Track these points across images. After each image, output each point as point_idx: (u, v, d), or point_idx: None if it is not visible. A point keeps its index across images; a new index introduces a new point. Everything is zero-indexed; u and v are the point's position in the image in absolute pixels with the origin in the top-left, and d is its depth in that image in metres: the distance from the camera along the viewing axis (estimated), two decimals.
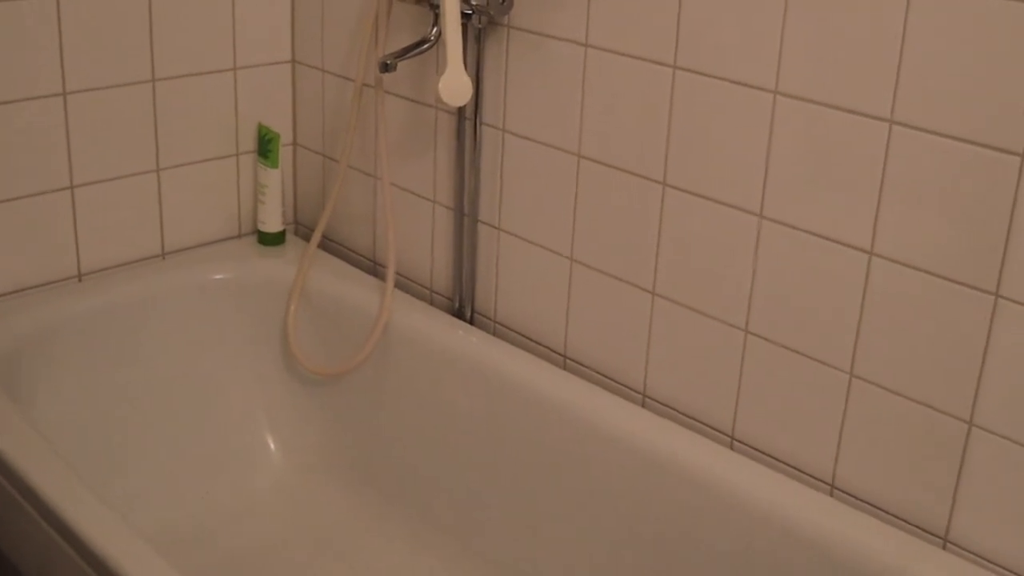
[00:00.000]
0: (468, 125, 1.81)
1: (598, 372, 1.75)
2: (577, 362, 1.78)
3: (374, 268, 2.09)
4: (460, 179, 1.85)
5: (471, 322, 1.92)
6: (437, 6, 1.74)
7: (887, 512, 1.45)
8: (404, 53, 1.74)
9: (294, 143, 2.19)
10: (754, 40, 1.44)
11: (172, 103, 1.98)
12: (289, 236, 2.16)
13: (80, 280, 1.96)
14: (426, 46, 1.76)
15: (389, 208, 1.91)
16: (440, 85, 1.62)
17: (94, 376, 1.90)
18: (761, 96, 1.45)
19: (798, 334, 1.49)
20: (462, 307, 1.92)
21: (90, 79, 1.88)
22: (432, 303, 1.99)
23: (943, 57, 1.29)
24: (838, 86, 1.38)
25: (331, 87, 2.07)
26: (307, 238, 2.19)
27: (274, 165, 2.07)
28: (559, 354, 1.81)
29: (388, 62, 1.72)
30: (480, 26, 1.73)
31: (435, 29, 1.77)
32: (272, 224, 2.11)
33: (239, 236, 2.16)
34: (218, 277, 2.05)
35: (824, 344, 1.47)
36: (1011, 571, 1.35)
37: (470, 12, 1.69)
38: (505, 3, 1.67)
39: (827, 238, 1.43)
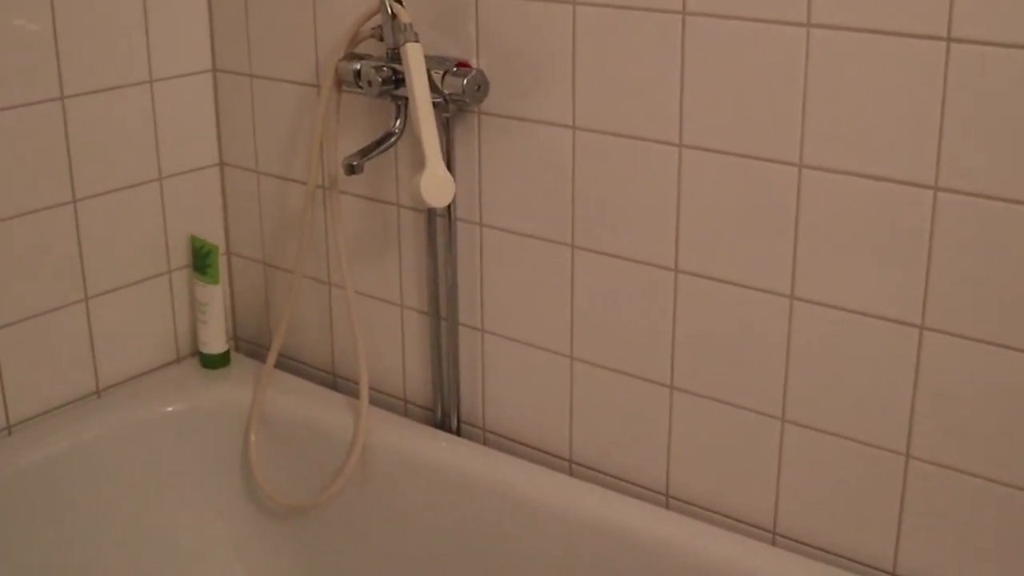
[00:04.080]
0: (440, 222, 1.67)
1: (611, 475, 1.62)
2: (586, 466, 1.64)
3: (334, 382, 1.92)
4: (433, 280, 1.70)
5: (457, 432, 1.76)
6: (401, 98, 1.60)
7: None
8: (370, 152, 1.59)
9: (228, 251, 2.00)
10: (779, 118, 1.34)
11: (96, 223, 1.79)
12: (232, 354, 1.97)
13: (10, 433, 1.74)
14: (392, 140, 1.61)
15: (356, 319, 1.74)
16: (421, 186, 1.47)
17: (37, 539, 1.68)
18: (787, 170, 1.35)
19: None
20: (445, 417, 1.76)
21: (4, 208, 1.67)
22: (407, 415, 1.83)
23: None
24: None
25: (268, 189, 1.90)
26: (251, 354, 2.01)
27: (214, 281, 1.88)
28: (564, 459, 1.66)
29: (354, 163, 1.56)
30: (448, 114, 1.59)
31: (398, 121, 1.62)
32: (215, 344, 1.92)
33: (178, 360, 1.96)
34: (164, 410, 1.84)
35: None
36: None
37: (440, 101, 1.54)
38: (481, 89, 1.54)
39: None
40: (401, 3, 1.53)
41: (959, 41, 1.20)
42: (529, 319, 1.64)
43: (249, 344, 2.03)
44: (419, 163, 1.54)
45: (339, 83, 1.66)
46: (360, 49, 1.65)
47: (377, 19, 1.58)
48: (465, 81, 1.51)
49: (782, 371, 1.42)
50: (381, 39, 1.58)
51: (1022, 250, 1.22)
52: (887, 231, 1.30)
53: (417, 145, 1.49)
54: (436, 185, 1.49)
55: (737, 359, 1.45)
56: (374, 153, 1.59)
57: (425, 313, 1.75)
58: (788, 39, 1.31)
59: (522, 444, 1.70)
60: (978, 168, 1.23)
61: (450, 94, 1.53)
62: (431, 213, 1.67)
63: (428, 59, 1.52)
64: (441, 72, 1.53)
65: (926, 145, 1.25)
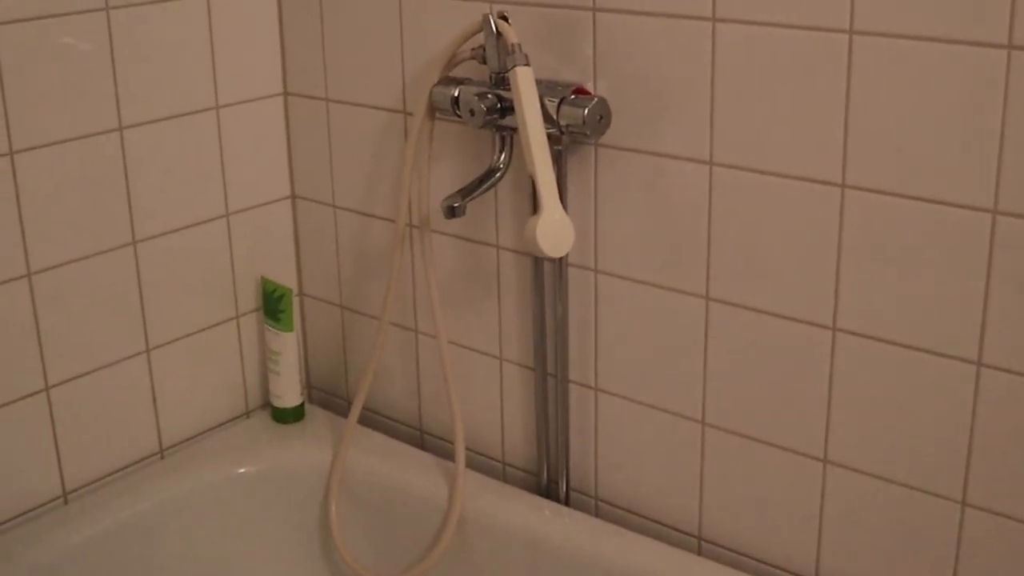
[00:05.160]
0: (548, 267, 1.47)
1: (747, 555, 1.41)
2: (717, 544, 1.44)
3: (421, 439, 1.73)
4: (540, 332, 1.50)
5: (566, 502, 1.56)
6: (507, 129, 1.40)
7: None
8: (472, 191, 1.39)
9: (300, 293, 1.81)
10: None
11: (157, 266, 1.60)
12: (307, 407, 1.78)
13: (66, 502, 1.56)
14: (496, 177, 1.41)
15: (449, 372, 1.55)
16: (537, 233, 1.27)
17: None
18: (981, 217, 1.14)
19: None
20: (551, 483, 1.57)
21: (59, 253, 1.49)
22: (506, 479, 1.63)
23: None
24: None
25: (347, 225, 1.70)
26: (325, 405, 1.82)
27: (287, 328, 1.69)
28: (692, 536, 1.46)
29: (455, 205, 1.36)
30: (560, 147, 1.39)
31: (503, 155, 1.42)
32: (290, 397, 1.73)
33: (247, 414, 1.77)
34: (235, 472, 1.66)
35: None
36: None
37: (554, 132, 1.34)
38: (603, 120, 1.33)
39: None
40: (507, 20, 1.33)
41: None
42: (652, 379, 1.43)
43: (322, 393, 1.84)
44: (524, 200, 1.36)
45: (433, 110, 1.46)
46: (457, 72, 1.45)
47: (478, 39, 1.38)
48: (586, 111, 1.31)
49: (965, 449, 1.21)
50: (483, 61, 1.38)
51: None
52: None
53: (524, 181, 1.29)
54: (554, 231, 1.29)
55: (906, 428, 1.25)
56: (477, 192, 1.39)
57: (528, 368, 1.55)
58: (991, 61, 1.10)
59: (641, 516, 1.50)
60: None
61: (567, 125, 1.33)
62: (538, 257, 1.47)
63: (539, 84, 1.32)
64: (556, 100, 1.33)
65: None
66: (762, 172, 1.27)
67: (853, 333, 1.26)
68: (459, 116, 1.41)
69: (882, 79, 1.16)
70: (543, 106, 1.31)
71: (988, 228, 1.14)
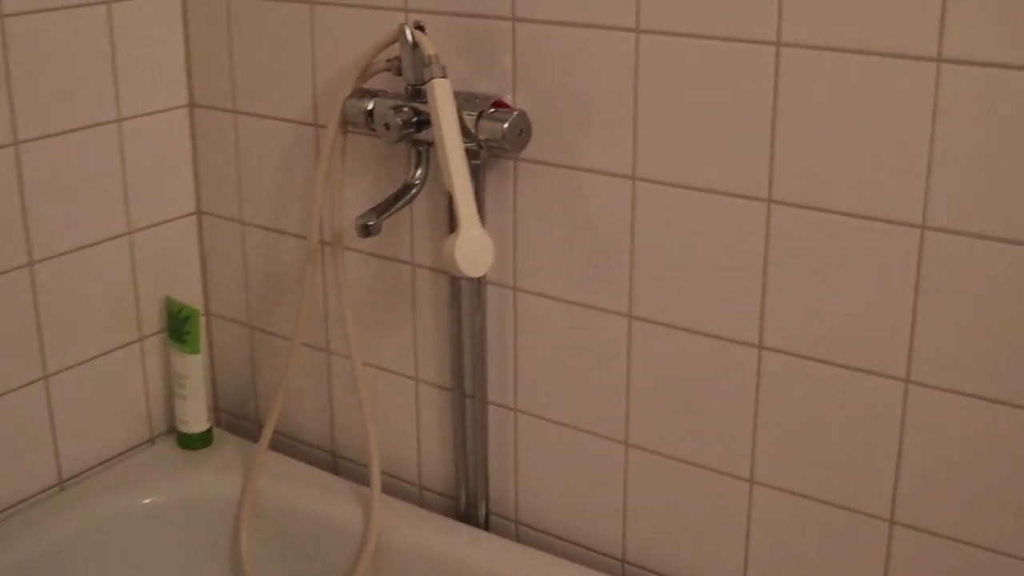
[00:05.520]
0: (466, 285, 1.42)
1: None
2: (641, 567, 1.41)
3: (334, 464, 1.67)
4: (457, 351, 1.46)
5: (486, 526, 1.52)
6: (423, 143, 1.35)
7: None
8: (387, 208, 1.34)
9: (207, 313, 1.74)
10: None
11: (56, 288, 1.52)
12: (215, 432, 1.71)
13: None
14: (412, 193, 1.37)
15: (364, 394, 1.49)
16: (455, 252, 1.23)
17: None
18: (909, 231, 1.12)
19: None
20: (470, 507, 1.52)
21: None
22: (424, 504, 1.58)
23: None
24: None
25: (255, 243, 1.64)
26: (233, 428, 1.75)
27: (194, 350, 1.62)
28: (616, 559, 1.43)
29: (370, 223, 1.31)
30: (478, 161, 1.34)
31: (419, 171, 1.37)
32: (196, 422, 1.66)
33: (152, 440, 1.70)
34: (141, 503, 1.58)
35: None
36: None
37: (473, 147, 1.30)
38: (523, 134, 1.29)
39: None
40: (423, 30, 1.29)
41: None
42: (574, 399, 1.40)
43: (231, 417, 1.77)
44: (441, 216, 1.32)
45: (346, 124, 1.41)
46: (371, 84, 1.40)
47: (393, 49, 1.33)
48: (506, 126, 1.27)
49: (893, 471, 1.19)
50: (398, 73, 1.34)
51: None
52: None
53: (441, 196, 1.25)
54: (472, 249, 1.24)
55: (833, 447, 1.23)
56: (392, 210, 1.34)
57: (445, 389, 1.50)
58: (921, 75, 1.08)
59: (564, 540, 1.46)
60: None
61: (486, 140, 1.29)
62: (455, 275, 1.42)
63: (457, 97, 1.27)
64: (475, 114, 1.29)
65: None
66: (687, 187, 1.24)
67: (779, 351, 1.23)
68: (373, 130, 1.36)
69: (809, 92, 1.14)
70: (461, 120, 1.27)
71: (917, 243, 1.12)
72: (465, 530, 1.49)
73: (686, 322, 1.29)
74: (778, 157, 1.18)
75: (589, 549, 1.44)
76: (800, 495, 1.26)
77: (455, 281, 1.43)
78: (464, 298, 1.43)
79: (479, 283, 1.41)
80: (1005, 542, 1.15)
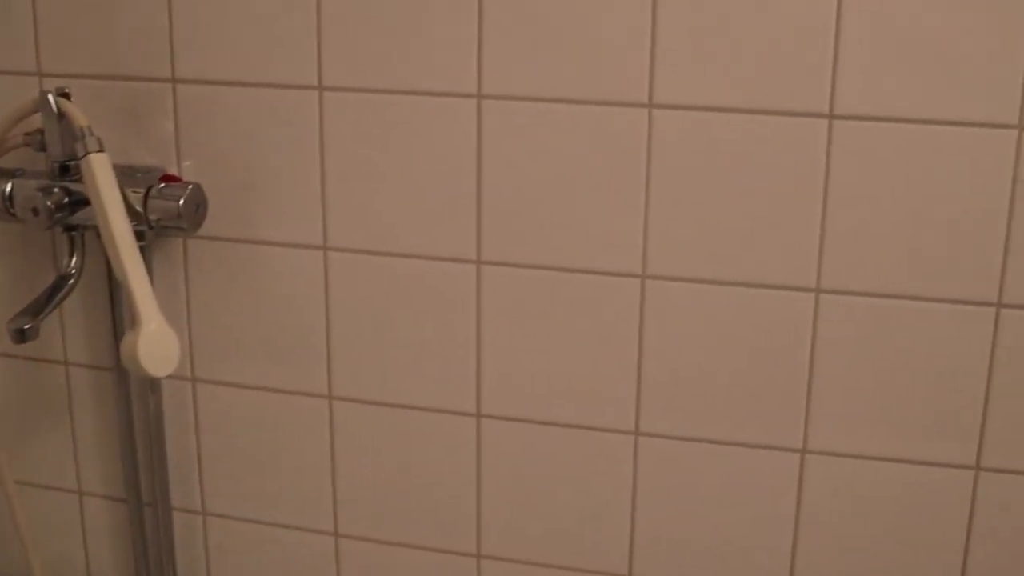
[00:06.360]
0: (136, 382, 1.26)
1: None
2: None
3: None
4: (130, 456, 1.28)
5: None
6: (77, 228, 1.18)
7: None
8: (43, 307, 1.15)
9: None
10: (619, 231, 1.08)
11: None
12: None
13: None
14: (69, 286, 1.19)
15: (20, 517, 1.29)
16: (139, 350, 1.06)
17: None
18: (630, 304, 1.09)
19: None
20: None
21: None
22: None
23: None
24: None
25: None
26: None
27: None
28: None
29: (26, 328, 1.11)
30: (143, 242, 1.18)
31: (75, 259, 1.19)
32: None
33: None
34: None
35: None
36: None
37: (143, 228, 1.15)
38: (200, 209, 1.15)
39: None
40: (69, 97, 1.12)
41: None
42: (272, 494, 1.27)
43: None
44: (96, 304, 1.16)
45: None
46: (6, 162, 1.20)
47: (32, 121, 1.15)
48: (181, 202, 1.12)
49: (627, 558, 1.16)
50: (41, 148, 1.15)
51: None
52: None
53: (97, 282, 1.09)
54: (158, 345, 1.08)
55: (567, 513, 1.18)
56: (50, 308, 1.15)
57: (118, 499, 1.32)
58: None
59: None
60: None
61: (158, 220, 1.13)
62: (119, 371, 1.25)
63: (115, 171, 1.11)
64: (142, 191, 1.13)
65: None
66: (387, 254, 1.15)
67: (497, 417, 1.17)
68: (14, 215, 1.17)
69: (509, 144, 1.08)
70: (126, 199, 1.11)
71: (638, 292, 1.09)
72: None
73: (394, 397, 1.20)
74: (485, 215, 1.11)
75: None
76: (533, 563, 1.20)
77: (121, 378, 1.26)
78: (134, 397, 1.26)
79: (150, 378, 1.24)
80: None
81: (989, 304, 1.01)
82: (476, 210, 1.11)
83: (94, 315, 1.26)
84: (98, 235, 1.07)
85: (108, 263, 1.09)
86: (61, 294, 1.17)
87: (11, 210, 1.17)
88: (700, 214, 1.05)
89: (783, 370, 1.07)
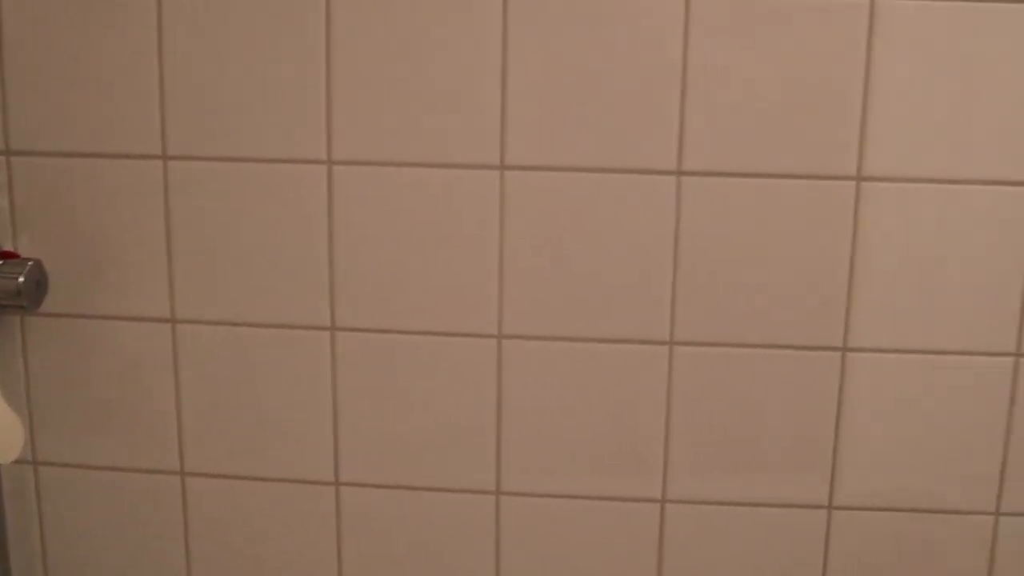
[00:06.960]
0: None
1: None
2: None
3: None
4: None
5: None
6: None
7: None
8: None
9: None
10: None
11: None
12: None
13: None
14: None
15: None
16: None
17: None
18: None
19: None
20: None
21: None
22: None
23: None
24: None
25: None
26: None
27: None
28: None
29: None
30: None
31: None
32: None
33: None
34: None
35: None
36: None
37: None
38: (41, 286, 1.11)
39: None
40: None
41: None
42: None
43: None
44: None
45: None
46: None
47: None
48: (22, 279, 1.08)
49: None
50: None
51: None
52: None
53: None
54: (1, 430, 1.04)
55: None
56: None
57: None
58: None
59: None
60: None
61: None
62: None
63: None
64: None
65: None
66: (237, 324, 1.13)
67: (351, 484, 1.15)
68: None
69: (363, 207, 1.08)
70: None
71: (495, 350, 1.09)
72: None
73: (250, 470, 1.17)
74: (337, 281, 1.10)
75: None
76: None
77: None
78: None
79: None
80: None
81: (835, 349, 1.06)
82: (328, 276, 1.10)
83: None
84: None
85: None
86: None
87: None
88: (554, 273, 1.07)
89: (641, 422, 1.09)
